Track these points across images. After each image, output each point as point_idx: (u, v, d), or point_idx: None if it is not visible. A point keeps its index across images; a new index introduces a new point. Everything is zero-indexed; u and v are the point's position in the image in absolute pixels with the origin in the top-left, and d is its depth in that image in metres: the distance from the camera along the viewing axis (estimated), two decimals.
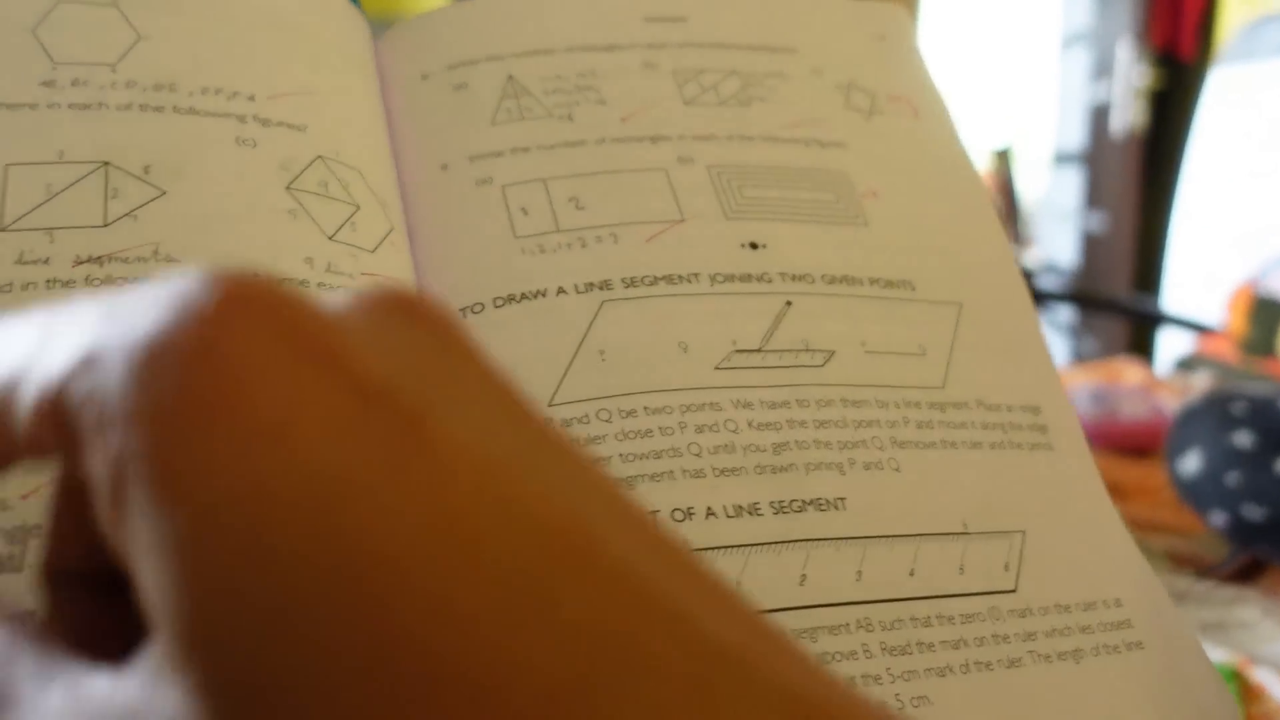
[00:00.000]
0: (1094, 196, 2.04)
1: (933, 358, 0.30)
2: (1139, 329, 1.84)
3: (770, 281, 0.29)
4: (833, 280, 0.30)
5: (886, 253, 0.31)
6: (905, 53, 0.38)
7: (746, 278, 0.29)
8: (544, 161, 0.30)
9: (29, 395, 0.12)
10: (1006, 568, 0.27)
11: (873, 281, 0.30)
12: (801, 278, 0.29)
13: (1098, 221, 2.02)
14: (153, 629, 0.11)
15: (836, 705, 0.13)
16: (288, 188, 0.25)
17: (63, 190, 0.23)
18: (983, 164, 2.15)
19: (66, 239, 0.22)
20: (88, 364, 0.12)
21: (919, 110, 0.36)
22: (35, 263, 0.22)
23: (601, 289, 0.27)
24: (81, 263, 0.22)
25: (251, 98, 0.27)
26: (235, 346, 0.11)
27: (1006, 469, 0.28)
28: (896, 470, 0.27)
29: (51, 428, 0.12)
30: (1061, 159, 2.11)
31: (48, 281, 0.22)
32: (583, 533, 0.12)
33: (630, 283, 0.28)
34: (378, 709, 0.10)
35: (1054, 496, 0.28)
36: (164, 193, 0.24)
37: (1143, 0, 1.92)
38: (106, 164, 0.24)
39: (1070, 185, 2.08)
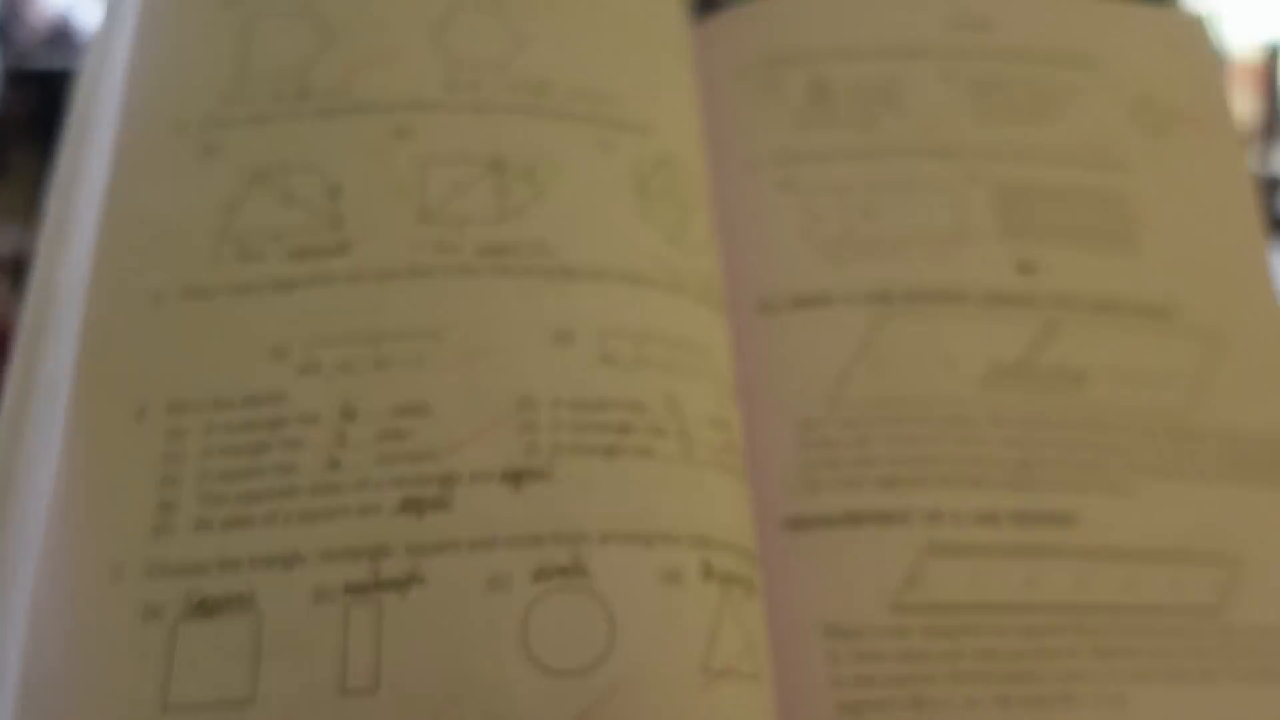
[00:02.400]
0: None
1: (1182, 387, 0.32)
2: None
3: (1037, 304, 0.32)
4: (1097, 306, 0.32)
5: (1153, 280, 0.33)
6: (1200, 66, 0.38)
7: (1015, 299, 0.32)
8: (843, 170, 0.33)
9: None
10: (1217, 591, 0.30)
11: (1135, 308, 0.32)
12: (1067, 302, 0.32)
13: None
14: None
15: None
16: (639, 190, 0.30)
17: (468, 186, 0.28)
18: (1248, 57, 1.97)
19: (472, 231, 0.28)
20: None
21: (1207, 129, 0.37)
22: (449, 250, 0.27)
23: (882, 301, 0.31)
24: (485, 253, 0.27)
25: (610, 100, 0.31)
26: None
27: (1235, 500, 0.31)
28: (1130, 494, 0.30)
29: None
30: None
31: (460, 267, 0.27)
32: None
33: (909, 297, 0.31)
34: None
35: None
36: (542, 192, 0.29)
37: None
38: (499, 163, 0.29)
39: None
